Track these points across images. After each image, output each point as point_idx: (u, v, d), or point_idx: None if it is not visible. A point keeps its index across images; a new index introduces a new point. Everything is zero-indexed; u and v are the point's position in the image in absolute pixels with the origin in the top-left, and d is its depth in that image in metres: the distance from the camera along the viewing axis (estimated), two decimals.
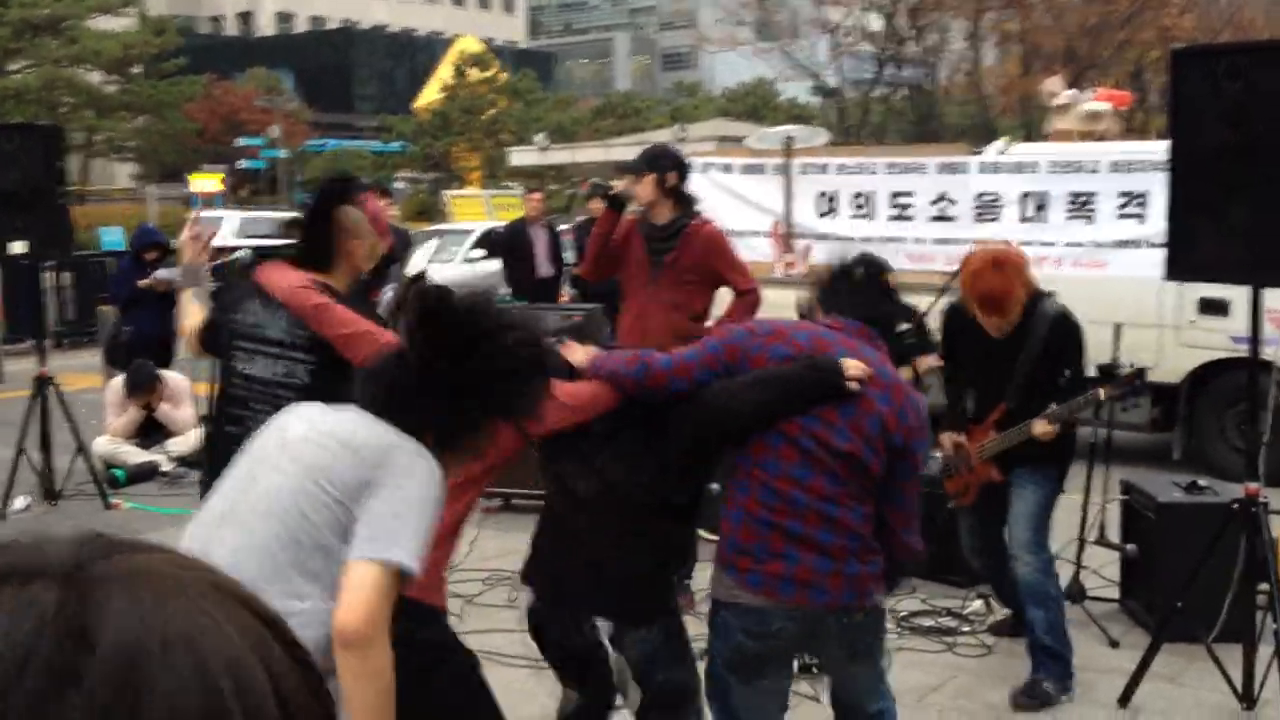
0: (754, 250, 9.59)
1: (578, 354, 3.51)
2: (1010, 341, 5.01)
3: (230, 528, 2.53)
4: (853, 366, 3.31)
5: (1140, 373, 5.04)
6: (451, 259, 17.24)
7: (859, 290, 3.54)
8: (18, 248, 7.81)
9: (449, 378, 2.58)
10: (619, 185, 5.92)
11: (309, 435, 2.58)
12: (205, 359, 4.33)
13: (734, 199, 10.25)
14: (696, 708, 3.57)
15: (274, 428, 2.68)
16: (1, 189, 7.69)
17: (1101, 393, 4.94)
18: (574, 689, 3.61)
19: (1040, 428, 4.89)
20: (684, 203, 5.87)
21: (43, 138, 8.06)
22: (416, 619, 2.77)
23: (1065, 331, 4.99)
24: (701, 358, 3.43)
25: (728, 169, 10.53)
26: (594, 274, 6.16)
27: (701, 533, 3.83)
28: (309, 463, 2.52)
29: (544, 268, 12.43)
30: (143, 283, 9.88)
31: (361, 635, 2.32)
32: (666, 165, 5.84)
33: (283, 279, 3.95)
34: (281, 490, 2.50)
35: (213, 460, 3.92)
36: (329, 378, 3.77)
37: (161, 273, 9.95)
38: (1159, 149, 7.17)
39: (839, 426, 3.31)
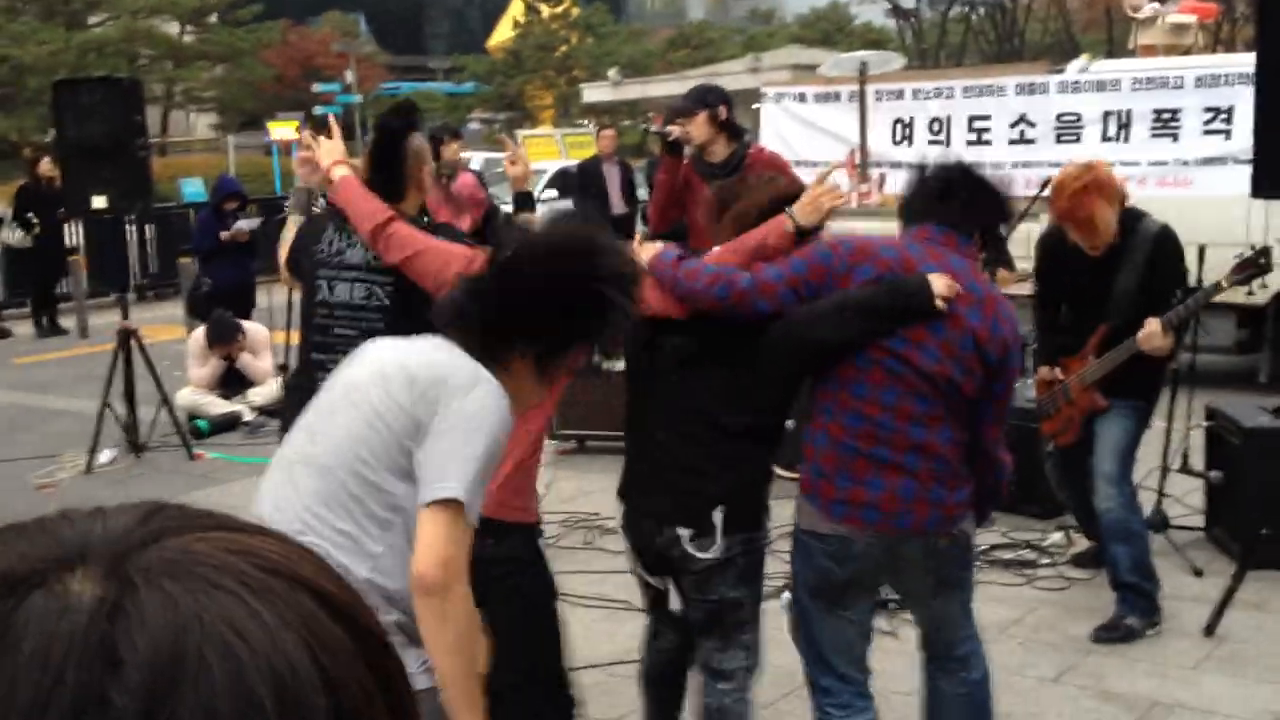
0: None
1: (646, 252, 3.41)
2: (1108, 263, 4.83)
3: (306, 472, 2.52)
4: (941, 284, 3.17)
5: (1265, 250, 4.82)
6: None
7: (947, 197, 3.35)
8: (100, 203, 7.94)
9: (532, 299, 2.54)
10: (674, 130, 5.89)
11: (376, 373, 2.53)
12: (297, 286, 4.32)
13: (808, 128, 10.11)
14: (752, 641, 3.49)
15: (349, 364, 2.64)
16: (83, 143, 7.81)
17: (1223, 281, 4.78)
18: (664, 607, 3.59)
19: (1155, 340, 4.67)
20: (737, 135, 5.88)
21: (122, 91, 8.11)
22: (492, 534, 2.76)
23: (1169, 248, 4.83)
24: (785, 278, 3.28)
25: (801, 98, 10.37)
26: (663, 223, 6.14)
27: (778, 470, 3.79)
28: (372, 404, 2.49)
29: (618, 205, 12.40)
30: (224, 235, 9.99)
31: (434, 581, 2.33)
32: (715, 100, 5.83)
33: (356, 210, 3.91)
34: (346, 435, 2.49)
35: (296, 399, 3.93)
36: (409, 298, 3.78)
37: (242, 223, 10.08)
38: (1246, 62, 6.93)
39: (929, 346, 3.19)
